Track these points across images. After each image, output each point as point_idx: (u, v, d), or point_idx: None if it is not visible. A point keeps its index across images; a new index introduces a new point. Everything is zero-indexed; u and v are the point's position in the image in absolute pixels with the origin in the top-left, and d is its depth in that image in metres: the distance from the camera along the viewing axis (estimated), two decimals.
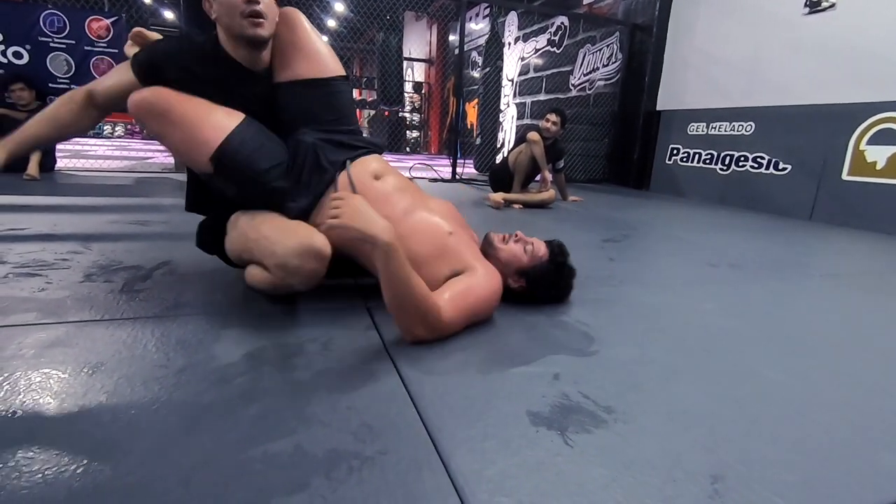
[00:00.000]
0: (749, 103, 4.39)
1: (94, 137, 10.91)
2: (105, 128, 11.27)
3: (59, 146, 3.77)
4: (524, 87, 8.47)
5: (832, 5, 3.74)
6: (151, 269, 1.57)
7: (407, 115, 13.28)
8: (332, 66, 1.32)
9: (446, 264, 1.18)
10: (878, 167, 3.44)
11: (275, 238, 1.14)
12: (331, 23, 13.84)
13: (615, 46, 6.12)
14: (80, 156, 5.82)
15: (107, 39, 4.14)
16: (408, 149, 13.45)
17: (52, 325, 1.10)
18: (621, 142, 5.84)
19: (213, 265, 1.61)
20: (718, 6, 4.67)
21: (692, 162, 5.00)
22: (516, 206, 3.42)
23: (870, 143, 3.49)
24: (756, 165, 4.33)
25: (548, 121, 3.52)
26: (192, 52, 1.23)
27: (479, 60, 9.24)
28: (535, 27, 7.96)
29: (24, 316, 1.14)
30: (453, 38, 12.09)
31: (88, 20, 4.07)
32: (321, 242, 1.13)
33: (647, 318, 1.41)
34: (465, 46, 12.17)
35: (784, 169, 4.09)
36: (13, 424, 0.73)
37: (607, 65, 6.33)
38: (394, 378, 0.96)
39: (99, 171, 4.37)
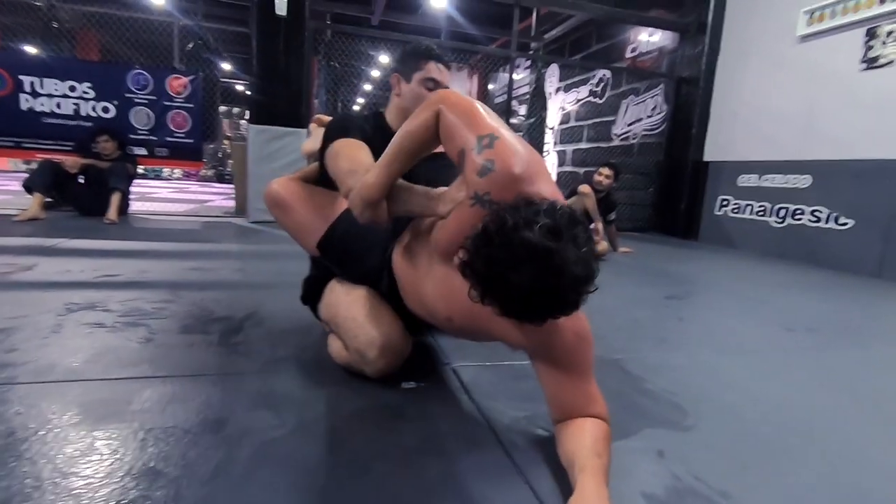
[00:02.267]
0: (804, 156, 4.33)
1: (155, 179, 11.66)
2: (164, 170, 12.02)
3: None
4: (565, 136, 8.62)
5: (891, 62, 3.71)
6: (241, 320, 1.65)
7: None
8: None
9: None
10: None
11: (360, 322, 1.17)
12: (374, 73, 14.59)
13: (660, 98, 6.20)
14: (146, 198, 6.22)
15: (184, 95, 4.50)
16: None
17: (166, 378, 1.17)
18: (667, 191, 5.81)
19: (296, 318, 1.68)
20: (769, 61, 4.70)
21: (743, 213, 4.91)
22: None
23: None
24: (814, 219, 4.22)
25: (601, 174, 3.57)
26: (364, 120, 1.36)
27: (520, 109, 9.51)
28: (577, 79, 8.16)
29: (139, 368, 1.22)
30: (492, 86, 12.52)
31: (169, 78, 4.46)
32: (402, 340, 1.17)
33: (735, 387, 1.38)
34: (503, 95, 12.54)
35: (845, 224, 3.97)
36: (156, 477, 0.78)
37: (651, 116, 6.40)
38: (497, 449, 0.97)
39: (166, 214, 4.65)
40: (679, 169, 5.63)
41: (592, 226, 3.54)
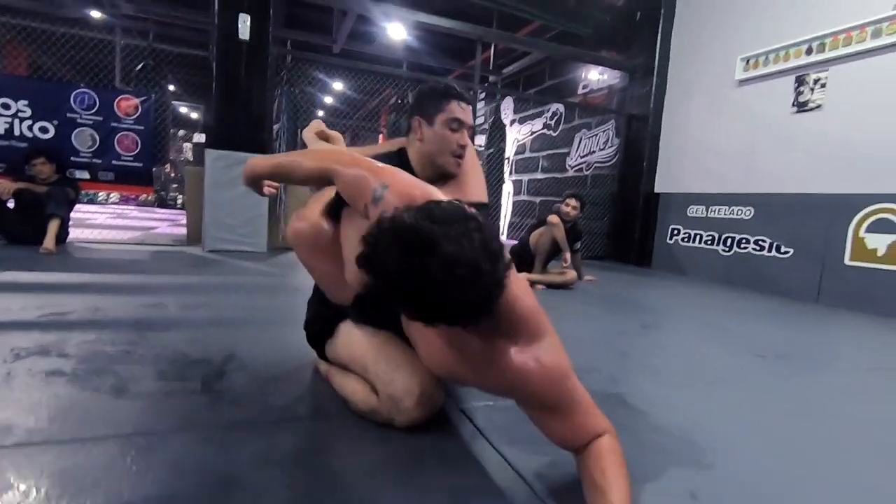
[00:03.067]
0: (746, 190, 4.66)
1: (88, 203, 10.85)
2: (100, 195, 11.25)
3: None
4: (520, 166, 8.87)
5: (819, 106, 4.11)
6: (220, 363, 1.51)
7: None
8: (479, 192, 1.35)
9: None
10: (879, 254, 3.62)
11: (396, 367, 1.11)
12: (327, 99, 14.52)
13: (611, 132, 6.53)
14: (83, 225, 5.75)
15: (134, 117, 4.25)
16: None
17: (150, 435, 1.04)
18: (622, 221, 6.06)
19: (281, 359, 1.58)
20: (711, 101, 5.08)
21: (693, 242, 5.19)
22: (539, 286, 3.46)
23: (868, 230, 3.70)
24: (758, 248, 4.52)
25: (568, 205, 3.67)
26: (389, 158, 1.25)
27: (476, 139, 9.73)
28: (531, 111, 8.48)
29: (117, 425, 1.07)
30: None
31: (119, 99, 4.20)
32: (437, 390, 1.12)
33: (737, 420, 1.40)
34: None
35: (786, 252, 4.28)
36: None
37: (603, 149, 6.72)
38: (534, 501, 0.92)
39: (110, 242, 4.30)
40: (632, 200, 5.91)
41: (563, 255, 3.62)
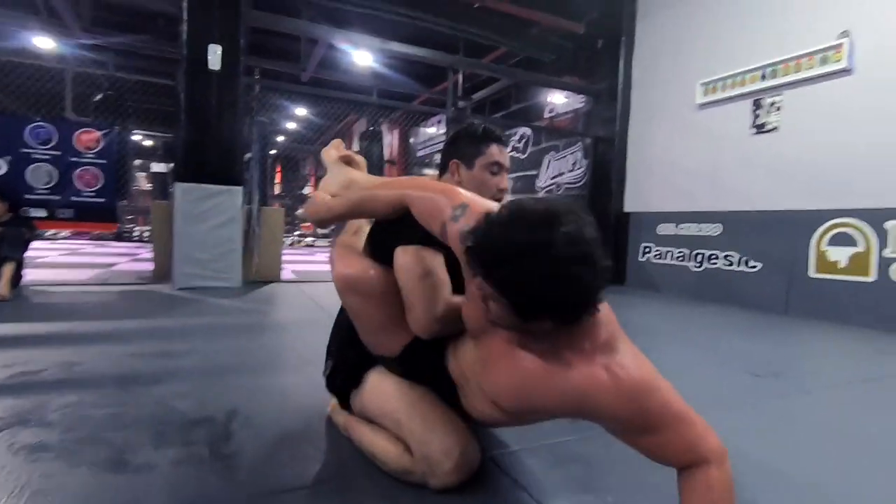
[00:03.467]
0: (713, 207, 4.86)
1: (35, 240, 10.18)
2: (48, 231, 10.59)
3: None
4: None
5: (775, 128, 4.35)
6: (224, 421, 1.41)
7: None
8: None
9: None
10: (841, 266, 3.83)
11: (434, 425, 1.05)
12: (290, 125, 14.36)
13: (579, 154, 6.71)
14: (34, 264, 5.38)
15: (95, 151, 4.04)
16: None
17: None
18: None
19: (290, 413, 1.49)
20: (674, 124, 5.31)
21: (665, 259, 5.35)
22: None
23: (830, 244, 3.90)
24: (727, 263, 4.70)
25: None
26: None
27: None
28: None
29: None
30: (413, 140, 12.89)
31: (78, 133, 3.99)
32: (477, 452, 1.08)
33: (768, 445, 1.41)
34: (426, 150, 12.89)
35: (755, 266, 4.46)
36: None
37: (572, 170, 6.89)
38: None
39: (69, 284, 4.03)
40: (603, 219, 6.04)
41: None
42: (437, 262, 1.06)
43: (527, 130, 7.86)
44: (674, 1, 5.36)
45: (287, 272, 5.55)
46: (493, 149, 1.24)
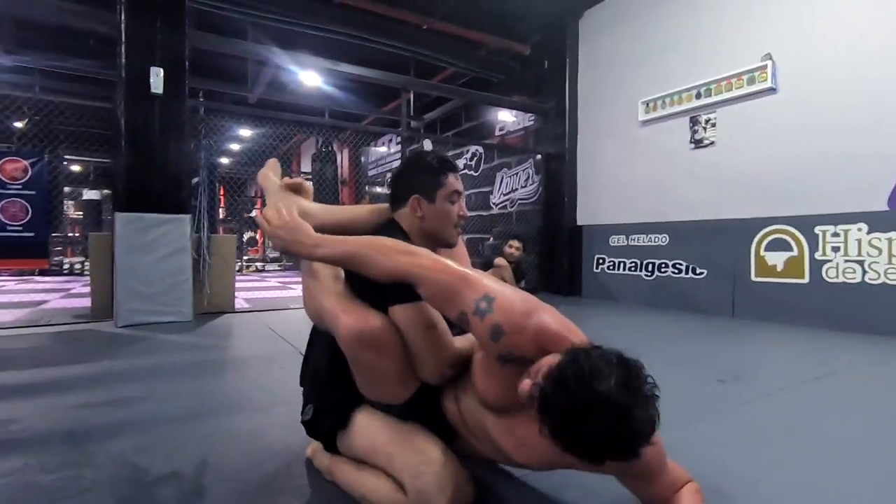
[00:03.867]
0: (660, 219, 5.11)
1: None
2: None
3: None
4: None
5: (712, 143, 4.66)
6: (194, 475, 1.30)
7: None
8: (465, 254, 1.42)
9: None
10: (779, 269, 4.11)
11: (428, 459, 1.03)
12: (233, 146, 13.91)
13: (531, 170, 6.89)
14: None
15: (23, 181, 3.73)
16: None
17: None
18: (549, 253, 6.34)
19: (262, 460, 1.40)
20: (620, 140, 5.57)
21: (618, 270, 5.55)
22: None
23: (767, 249, 4.19)
24: (676, 271, 4.94)
25: (511, 246, 3.79)
26: (389, 234, 1.16)
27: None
28: (451, 153, 8.72)
29: None
30: (363, 159, 12.79)
31: (1, 161, 3.67)
32: (471, 487, 1.07)
33: (748, 456, 1.46)
34: (378, 169, 12.82)
35: (701, 273, 4.71)
36: None
37: (525, 186, 7.06)
38: None
39: None
40: (557, 233, 6.22)
41: None
42: (436, 312, 1.07)
43: (479, 148, 8.00)
44: (614, 24, 5.66)
45: (239, 301, 5.32)
46: (451, 178, 1.25)
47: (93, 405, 1.88)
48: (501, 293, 0.93)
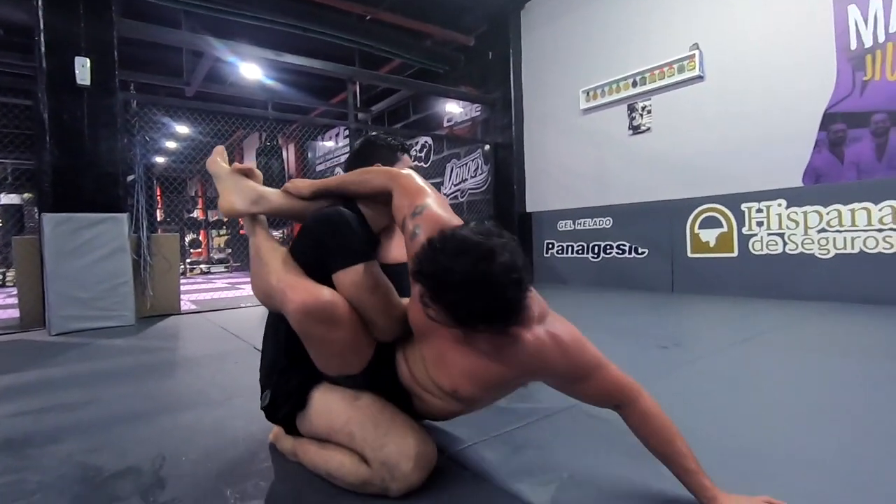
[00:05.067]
0: (603, 203, 5.34)
1: None
2: None
3: None
4: None
5: (648, 129, 4.91)
6: (153, 469, 1.27)
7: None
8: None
9: None
10: (711, 245, 4.41)
11: (388, 430, 1.05)
12: (170, 144, 13.22)
13: (480, 160, 7.00)
14: None
15: None
16: None
17: None
18: None
19: (218, 447, 1.38)
20: (563, 128, 5.76)
21: (567, 254, 5.76)
22: None
23: (700, 227, 4.49)
24: (620, 252, 5.19)
25: None
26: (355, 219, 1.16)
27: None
28: None
29: None
30: (310, 155, 12.49)
31: None
32: (433, 448, 1.09)
33: (690, 410, 1.58)
34: (326, 164, 12.57)
35: (643, 252, 4.97)
36: None
37: (475, 176, 7.16)
38: None
39: None
40: (507, 221, 6.35)
41: None
42: (377, 269, 1.10)
43: (428, 140, 8.02)
44: (554, 16, 5.83)
45: (186, 303, 5.10)
46: (406, 158, 1.39)
47: (30, 412, 1.77)
48: (433, 207, 1.06)
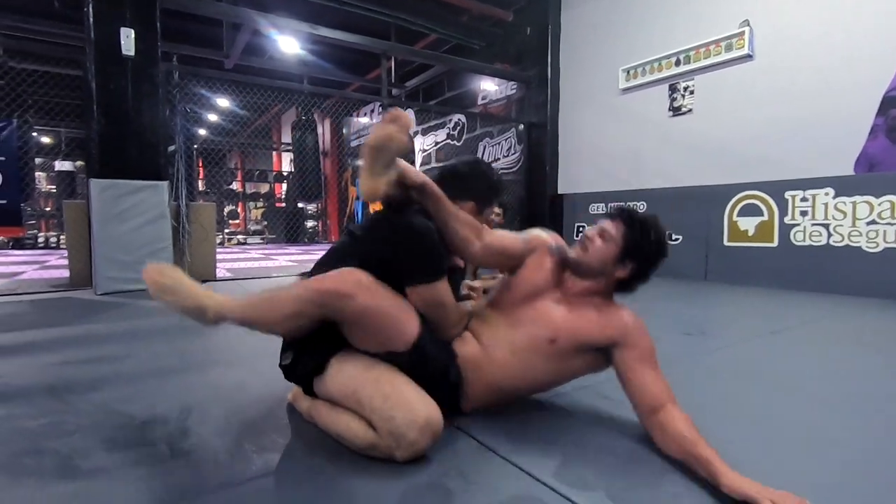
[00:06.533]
0: (637, 186, 5.19)
1: None
2: None
3: None
4: (428, 176, 8.98)
5: (690, 110, 4.71)
6: (179, 418, 1.35)
7: (303, 205, 13.14)
8: None
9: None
10: (750, 234, 4.24)
11: (396, 401, 1.09)
12: (211, 116, 13.56)
13: (513, 140, 6.89)
14: None
15: None
16: (306, 238, 13.17)
17: None
18: (532, 222, 6.40)
19: (242, 403, 1.46)
20: (600, 108, 5.59)
21: None
22: (476, 293, 3.55)
23: (739, 215, 4.31)
24: None
25: (495, 214, 3.81)
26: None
27: None
28: (434, 123, 8.65)
29: None
30: (345, 130, 12.58)
31: None
32: (440, 416, 1.11)
33: (712, 395, 1.56)
34: (361, 140, 12.66)
35: (677, 239, 4.83)
36: None
37: (507, 155, 7.07)
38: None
39: None
40: (539, 202, 6.28)
41: None
42: (447, 284, 1.28)
43: (461, 117, 7.94)
44: None
45: (221, 271, 5.31)
46: (496, 203, 1.63)
47: (73, 362, 1.91)
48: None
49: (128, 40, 3.58)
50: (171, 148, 4.31)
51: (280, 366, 1.32)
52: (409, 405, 1.08)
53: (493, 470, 1.08)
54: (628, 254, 1.26)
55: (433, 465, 1.09)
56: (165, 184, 3.86)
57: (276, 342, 1.37)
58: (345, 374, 1.17)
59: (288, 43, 7.04)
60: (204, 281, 4.33)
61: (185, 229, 4.22)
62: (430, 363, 1.19)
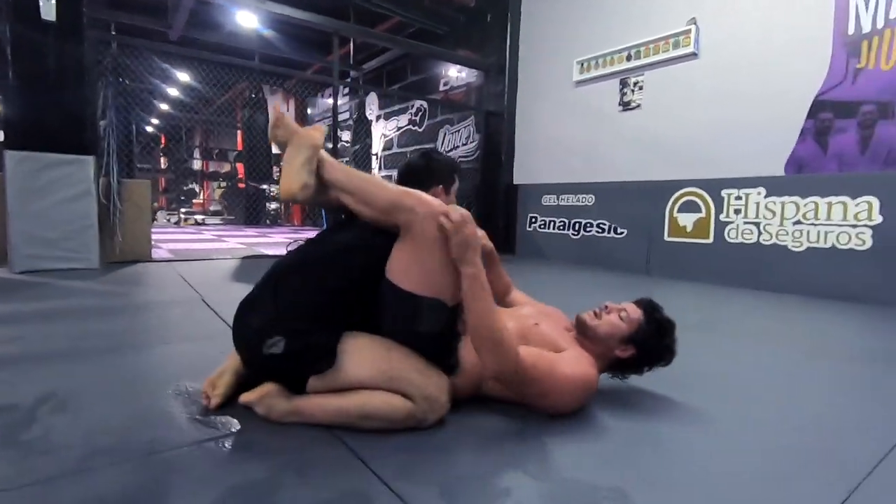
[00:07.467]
0: (588, 179, 5.24)
1: None
2: None
3: None
4: (389, 161, 8.90)
5: (638, 106, 4.76)
6: (31, 407, 1.28)
7: (265, 186, 12.82)
8: None
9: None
10: (688, 230, 4.34)
11: (428, 372, 1.21)
12: (172, 91, 13.02)
13: (472, 128, 6.86)
14: None
15: None
16: (268, 220, 12.88)
17: None
18: (486, 211, 6.41)
19: (118, 391, 1.39)
20: (555, 100, 5.60)
21: (549, 228, 5.70)
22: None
23: (679, 211, 4.40)
24: (600, 230, 5.13)
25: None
26: None
27: (343, 135, 9.52)
28: (396, 107, 8.53)
29: None
30: (311, 111, 12.29)
31: None
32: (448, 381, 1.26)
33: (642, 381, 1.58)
34: (326, 121, 12.42)
35: (622, 233, 4.91)
36: None
37: (466, 143, 7.04)
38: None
39: None
40: (494, 191, 6.28)
41: None
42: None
43: (423, 103, 7.85)
44: None
45: (162, 251, 5.13)
46: (457, 179, 1.66)
47: None
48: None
49: (47, 4, 3.36)
50: (103, 122, 4.10)
51: (265, 354, 1.17)
52: (437, 374, 1.23)
53: (495, 426, 1.19)
54: (634, 340, 1.35)
55: (453, 425, 1.06)
56: (91, 158, 3.68)
57: (182, 329, 1.31)
58: (370, 356, 1.19)
59: (245, 17, 6.78)
60: (135, 262, 4.18)
61: (117, 207, 4.04)
62: (453, 337, 1.29)
